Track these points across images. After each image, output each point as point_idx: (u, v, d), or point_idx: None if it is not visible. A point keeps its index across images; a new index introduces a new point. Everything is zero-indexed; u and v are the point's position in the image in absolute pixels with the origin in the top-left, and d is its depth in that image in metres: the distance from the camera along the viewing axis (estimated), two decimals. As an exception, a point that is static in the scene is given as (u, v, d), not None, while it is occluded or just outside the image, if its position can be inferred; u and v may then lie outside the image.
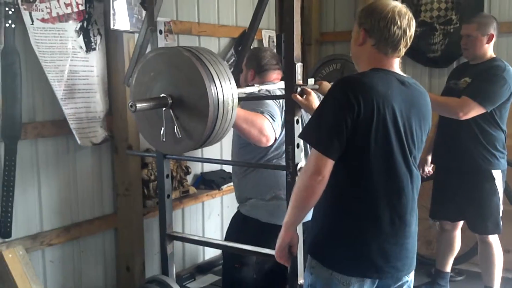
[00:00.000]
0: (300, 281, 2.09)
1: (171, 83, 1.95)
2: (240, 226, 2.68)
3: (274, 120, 2.33)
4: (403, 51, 1.82)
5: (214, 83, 1.90)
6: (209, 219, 4.03)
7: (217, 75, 1.92)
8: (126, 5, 2.91)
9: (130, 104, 1.86)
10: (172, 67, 1.95)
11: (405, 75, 1.84)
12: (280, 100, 2.49)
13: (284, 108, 2.50)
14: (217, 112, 1.91)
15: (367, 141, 1.68)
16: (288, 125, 2.06)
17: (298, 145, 2.04)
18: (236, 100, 2.00)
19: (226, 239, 2.81)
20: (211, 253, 4.05)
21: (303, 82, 2.05)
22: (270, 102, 2.41)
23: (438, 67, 4.35)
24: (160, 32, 2.45)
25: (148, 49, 2.43)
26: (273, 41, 4.32)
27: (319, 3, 4.90)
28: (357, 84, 1.70)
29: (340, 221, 1.76)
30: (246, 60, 2.75)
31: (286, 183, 2.10)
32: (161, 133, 2.00)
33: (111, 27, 2.85)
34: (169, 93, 1.95)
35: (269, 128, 2.32)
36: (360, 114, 1.64)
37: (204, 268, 3.91)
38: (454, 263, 3.94)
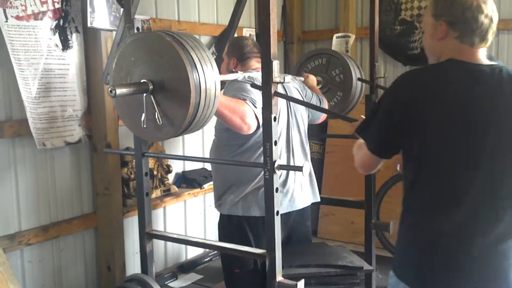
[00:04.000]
0: (279, 278, 2.09)
1: (152, 68, 1.91)
2: (228, 228, 2.64)
3: (256, 107, 2.32)
4: (491, 39, 1.65)
5: (196, 68, 1.86)
6: (192, 217, 4.02)
7: (199, 60, 1.89)
8: (104, 2, 2.89)
9: (109, 89, 1.83)
10: (152, 52, 1.92)
11: (494, 63, 1.66)
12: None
13: None
14: (199, 98, 1.88)
15: (434, 140, 1.58)
16: (265, 122, 2.05)
17: (275, 143, 2.04)
18: (218, 87, 1.97)
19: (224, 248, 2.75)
20: (193, 252, 4.04)
21: (280, 79, 2.05)
22: (252, 89, 2.39)
23: (418, 65, 4.38)
24: (138, 29, 2.43)
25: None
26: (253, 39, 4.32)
27: (301, 2, 4.92)
28: (417, 80, 1.62)
29: None
30: (228, 48, 2.75)
31: (264, 180, 2.09)
32: (142, 119, 1.96)
33: (89, 25, 2.83)
34: (150, 78, 1.91)
35: (251, 115, 2.30)
36: (421, 112, 1.56)
37: (186, 267, 3.90)
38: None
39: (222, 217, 2.69)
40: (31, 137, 2.75)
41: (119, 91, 1.84)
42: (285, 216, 2.53)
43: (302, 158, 2.66)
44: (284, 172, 2.56)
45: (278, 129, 2.55)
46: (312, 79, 3.01)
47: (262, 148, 2.45)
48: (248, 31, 4.30)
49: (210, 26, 4.01)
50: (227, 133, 2.51)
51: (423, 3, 4.30)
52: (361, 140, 1.82)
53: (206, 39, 4.01)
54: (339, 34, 4.52)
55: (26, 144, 2.76)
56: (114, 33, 2.81)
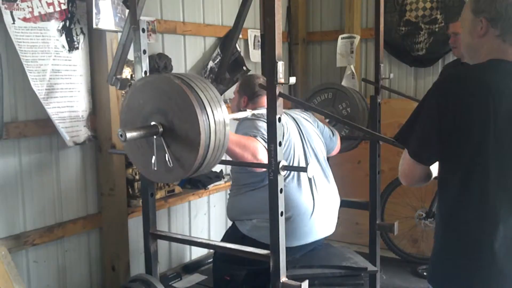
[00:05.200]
0: (283, 279, 2.09)
1: (162, 111, 1.90)
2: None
3: (267, 143, 2.32)
4: None
5: (205, 110, 1.86)
6: (196, 218, 4.03)
7: (208, 101, 1.88)
8: (109, 4, 2.90)
9: (120, 133, 1.82)
10: (162, 94, 1.91)
11: None
12: None
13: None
14: (209, 140, 1.87)
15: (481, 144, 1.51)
16: (269, 123, 2.06)
17: (280, 143, 2.04)
18: (228, 127, 1.97)
19: (222, 255, 2.77)
20: (198, 253, 4.05)
21: (284, 80, 2.05)
22: (263, 124, 2.41)
23: (423, 66, 4.39)
24: (143, 31, 2.44)
25: (131, 49, 2.42)
26: (258, 41, 4.33)
27: (306, 3, 4.92)
28: (461, 82, 1.55)
29: None
30: (239, 87, 2.77)
31: (268, 181, 2.10)
32: (153, 161, 1.94)
33: (94, 26, 2.84)
34: (160, 121, 1.91)
35: (263, 151, 2.30)
36: (464, 115, 1.50)
37: (190, 267, 3.91)
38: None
39: (236, 230, 2.67)
40: (36, 138, 2.77)
41: (129, 135, 1.83)
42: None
43: (325, 186, 2.65)
44: (310, 204, 2.55)
45: (295, 159, 2.55)
46: (321, 116, 3.04)
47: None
48: (253, 32, 4.31)
49: (215, 27, 4.02)
50: (244, 173, 2.52)
51: (428, 4, 4.29)
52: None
53: (211, 40, 4.02)
54: (344, 35, 4.52)
55: (31, 145, 2.77)
56: (119, 34, 2.82)
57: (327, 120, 3.13)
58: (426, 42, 4.30)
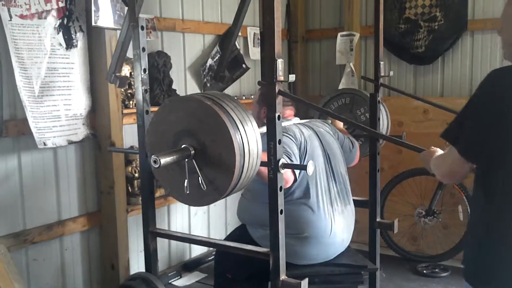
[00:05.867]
0: (283, 277, 2.08)
1: (192, 133, 1.87)
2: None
3: (291, 161, 2.31)
4: None
5: (239, 130, 1.82)
6: (195, 216, 4.02)
7: (240, 121, 1.85)
8: (108, 1, 2.89)
9: (153, 159, 1.77)
10: (191, 116, 1.87)
11: None
12: (297, 135, 2.47)
13: (302, 143, 2.47)
14: (243, 161, 1.83)
15: None
16: (269, 121, 2.05)
17: (280, 141, 2.04)
18: (260, 146, 1.93)
19: (224, 253, 2.75)
20: (197, 251, 4.04)
21: (284, 78, 2.04)
22: (286, 140, 2.37)
23: (423, 64, 4.38)
24: (142, 28, 2.43)
25: (130, 46, 2.42)
26: (258, 38, 4.32)
27: (305, 1, 4.91)
28: (508, 79, 1.53)
29: None
30: (259, 97, 2.73)
31: (268, 179, 2.09)
32: (185, 185, 1.90)
33: (93, 24, 2.84)
34: (191, 143, 1.87)
35: (288, 170, 2.27)
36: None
37: (190, 265, 3.91)
38: (439, 260, 3.98)
39: (246, 232, 2.64)
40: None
41: (163, 160, 1.78)
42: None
43: (343, 208, 2.61)
44: (328, 225, 2.51)
45: (317, 180, 2.51)
46: (339, 122, 3.01)
47: (300, 201, 2.44)
48: (252, 30, 4.30)
49: (214, 25, 4.01)
50: (259, 189, 2.47)
51: (427, 1, 4.28)
52: (440, 151, 1.79)
53: (210, 38, 4.01)
54: (344, 33, 4.51)
55: (30, 142, 2.76)
56: (118, 32, 2.81)
57: (345, 127, 3.09)
58: (426, 40, 4.30)
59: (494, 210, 1.64)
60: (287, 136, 2.41)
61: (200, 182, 1.87)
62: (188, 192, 1.91)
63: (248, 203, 2.68)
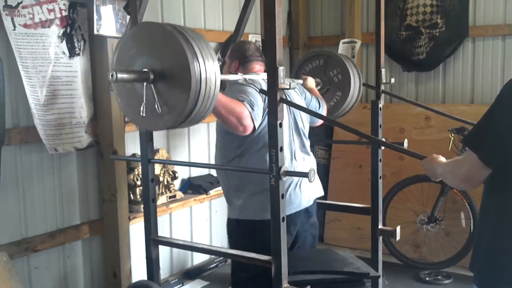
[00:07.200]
0: (285, 284, 2.08)
1: (153, 58, 1.96)
2: (237, 232, 2.60)
3: (253, 110, 2.33)
4: None
5: (197, 57, 1.91)
6: (197, 224, 4.02)
7: (200, 50, 1.94)
8: (111, 10, 2.91)
9: (111, 73, 1.87)
10: (154, 42, 1.97)
11: None
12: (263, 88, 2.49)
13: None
14: (199, 85, 1.92)
15: None
16: (271, 128, 2.05)
17: (281, 149, 2.04)
18: (219, 79, 2.01)
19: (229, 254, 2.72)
20: (199, 258, 4.04)
21: (285, 85, 2.05)
22: (252, 90, 2.40)
23: (424, 71, 4.39)
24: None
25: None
26: (260, 46, 4.33)
27: (307, 8, 4.93)
28: None
29: None
30: (230, 52, 2.79)
31: (270, 186, 2.09)
32: (141, 108, 2.00)
33: (95, 32, 2.85)
34: (151, 68, 1.96)
35: (248, 117, 2.31)
36: None
37: (192, 273, 3.90)
38: (442, 267, 3.97)
39: (230, 221, 2.67)
40: (37, 144, 2.76)
41: (120, 75, 1.89)
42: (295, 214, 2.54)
43: (304, 159, 2.65)
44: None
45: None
46: (311, 81, 3.04)
47: (258, 153, 2.47)
48: (253, 37, 4.31)
49: (216, 33, 4.02)
50: (225, 135, 2.52)
51: (428, 8, 4.29)
52: (442, 158, 1.82)
53: (212, 46, 4.01)
54: (345, 40, 4.52)
55: (33, 150, 2.78)
56: (120, 40, 2.83)
57: (318, 88, 3.12)
58: (427, 46, 4.31)
59: (506, 214, 1.65)
60: (253, 87, 2.42)
61: (156, 106, 1.96)
62: (144, 114, 2.00)
63: (220, 180, 2.69)
